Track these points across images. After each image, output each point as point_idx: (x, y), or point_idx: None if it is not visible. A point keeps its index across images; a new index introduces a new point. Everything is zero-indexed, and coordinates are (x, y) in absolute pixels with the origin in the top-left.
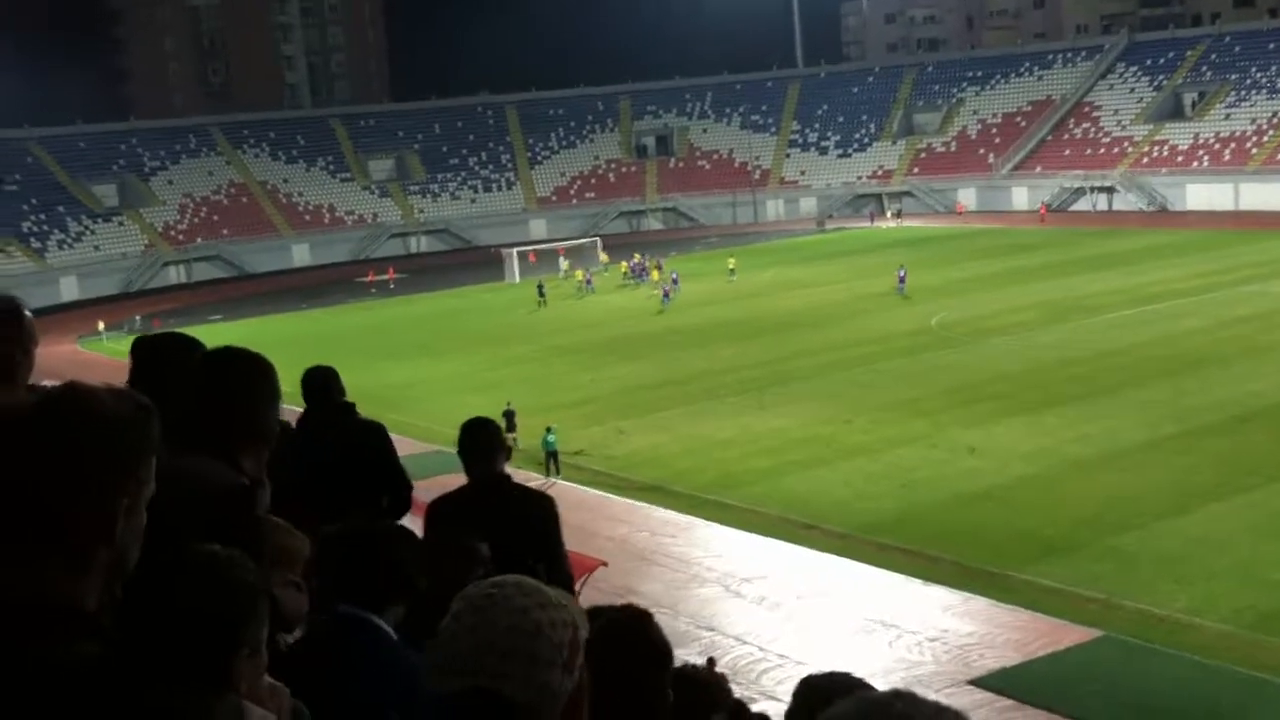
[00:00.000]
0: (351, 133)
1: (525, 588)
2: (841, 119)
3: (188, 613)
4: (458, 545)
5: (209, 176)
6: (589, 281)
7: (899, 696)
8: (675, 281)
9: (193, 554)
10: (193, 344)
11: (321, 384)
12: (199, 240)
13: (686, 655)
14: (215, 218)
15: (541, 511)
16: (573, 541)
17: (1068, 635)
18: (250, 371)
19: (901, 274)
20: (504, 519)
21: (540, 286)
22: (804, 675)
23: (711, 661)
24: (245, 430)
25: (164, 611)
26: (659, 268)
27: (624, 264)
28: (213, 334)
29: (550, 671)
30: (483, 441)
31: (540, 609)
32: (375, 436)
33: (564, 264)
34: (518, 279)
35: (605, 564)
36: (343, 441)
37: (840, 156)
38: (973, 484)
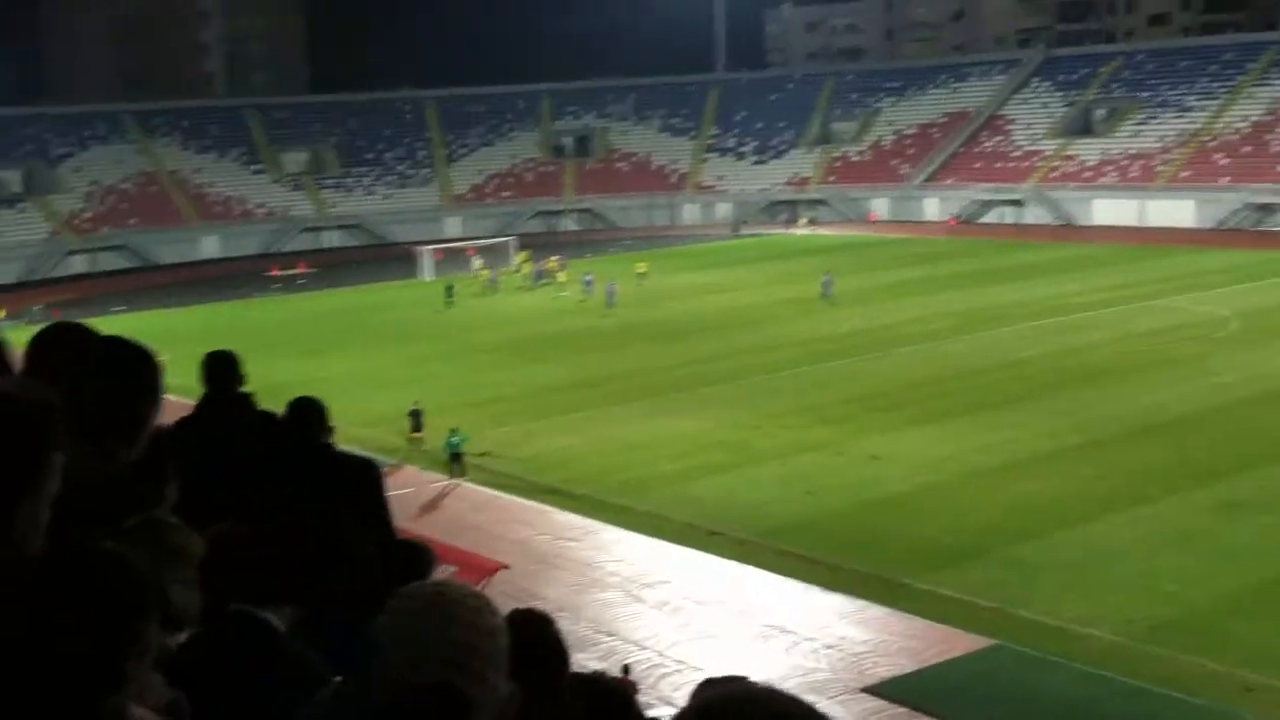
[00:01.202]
0: (266, 124)
1: (468, 590)
2: (760, 125)
3: (77, 612)
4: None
5: (118, 165)
6: (494, 280)
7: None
8: (589, 283)
9: (82, 551)
10: (91, 337)
11: (224, 370)
12: (105, 229)
13: (587, 660)
14: (123, 206)
15: (367, 481)
16: (475, 544)
17: (961, 644)
18: (131, 360)
19: (826, 279)
20: (328, 489)
21: (449, 287)
22: (702, 680)
23: (626, 669)
24: (122, 420)
25: (53, 610)
26: (563, 267)
27: (528, 264)
28: (116, 325)
29: (498, 675)
30: (310, 417)
31: (490, 614)
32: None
33: (476, 264)
34: (431, 276)
35: (507, 566)
36: (243, 432)
37: (757, 162)
38: (876, 491)
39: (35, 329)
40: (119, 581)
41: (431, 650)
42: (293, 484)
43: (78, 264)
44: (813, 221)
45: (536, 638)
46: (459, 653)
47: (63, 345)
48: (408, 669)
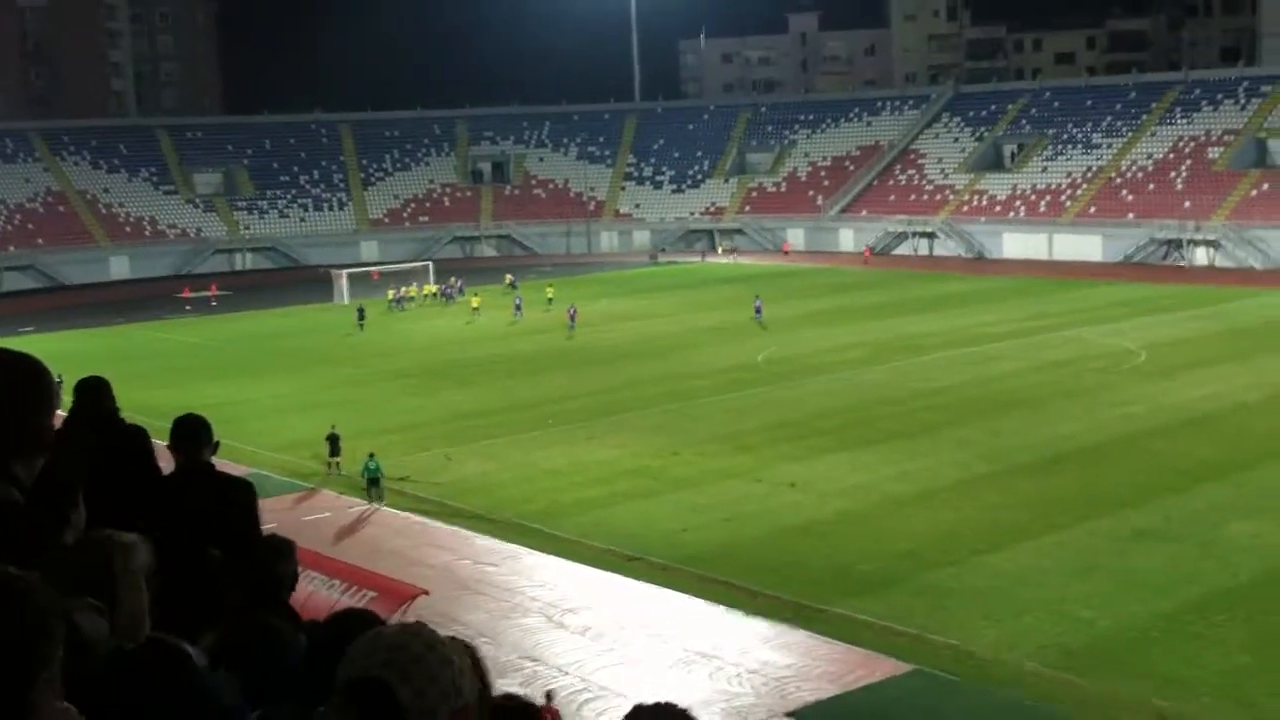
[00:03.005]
0: (178, 144)
1: (440, 637)
2: (677, 154)
3: None
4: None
5: (25, 183)
6: (399, 302)
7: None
8: (518, 307)
9: None
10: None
11: (92, 391)
12: (12, 249)
13: (509, 685)
14: (30, 226)
15: (240, 499)
16: (393, 569)
17: (881, 668)
18: (19, 374)
19: (758, 304)
20: (200, 507)
21: (360, 310)
22: (633, 705)
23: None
24: (17, 439)
25: None
26: (513, 285)
27: (430, 286)
28: (23, 346)
29: (442, 700)
30: (188, 430)
31: (458, 655)
32: (139, 441)
33: (390, 291)
34: (346, 300)
35: (427, 593)
36: (105, 450)
37: (674, 191)
38: (794, 518)
39: None
40: (18, 607)
41: (376, 652)
42: (170, 502)
43: None
44: (733, 250)
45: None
46: (404, 659)
47: None
48: (348, 664)
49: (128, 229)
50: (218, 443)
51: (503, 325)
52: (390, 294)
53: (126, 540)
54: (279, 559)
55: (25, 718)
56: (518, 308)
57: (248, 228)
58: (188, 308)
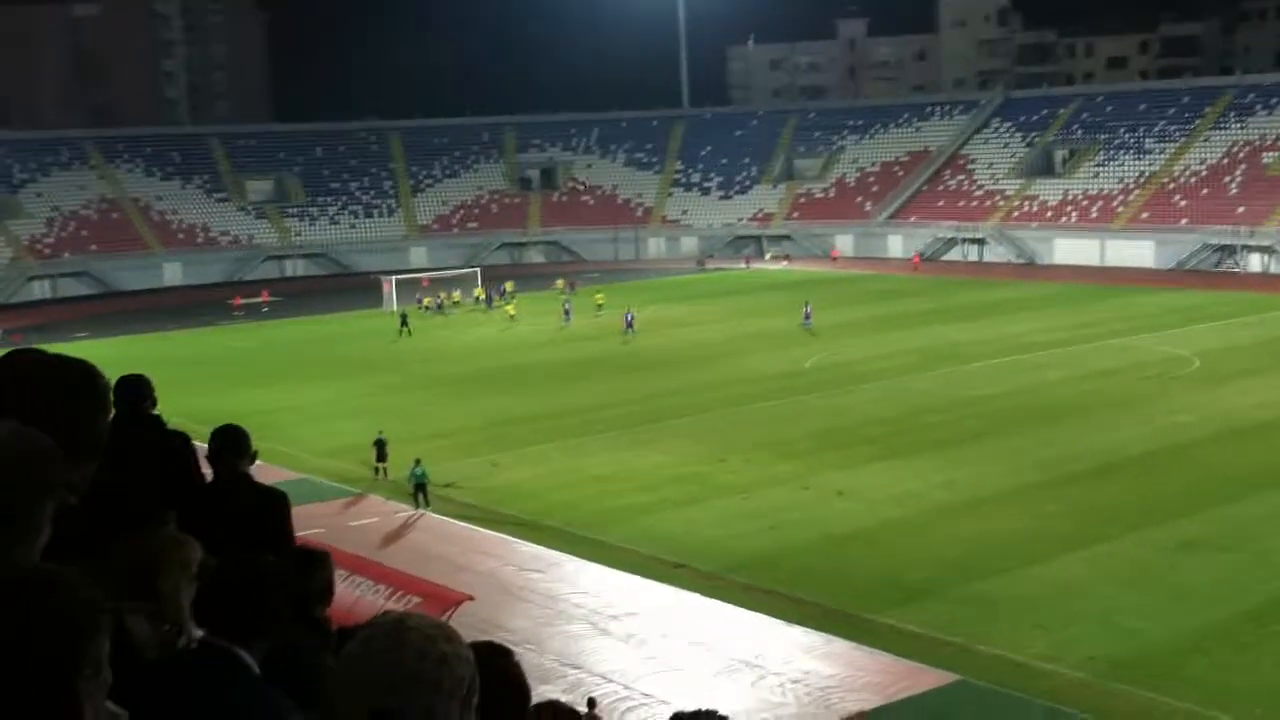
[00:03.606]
0: (230, 152)
1: (428, 620)
2: (724, 161)
3: (24, 633)
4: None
5: (80, 190)
6: (438, 306)
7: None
8: (568, 313)
9: (26, 572)
10: (56, 363)
11: (131, 393)
12: (67, 255)
13: (551, 692)
14: (84, 233)
15: (276, 510)
16: (439, 574)
17: (926, 679)
18: (74, 379)
19: (808, 310)
20: (237, 516)
21: (404, 316)
22: (673, 713)
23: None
24: (72, 443)
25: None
26: (571, 287)
27: (479, 289)
28: (78, 352)
29: (450, 703)
30: (228, 441)
31: (447, 642)
32: (180, 446)
33: (428, 297)
34: (395, 306)
35: (472, 598)
36: (146, 454)
37: (722, 198)
38: (841, 526)
39: None
40: (60, 603)
41: (377, 677)
42: (210, 511)
43: (38, 289)
44: (786, 257)
45: (496, 671)
46: (404, 680)
47: (17, 370)
48: (354, 697)
49: (180, 236)
50: (255, 453)
51: (550, 331)
52: (426, 300)
53: (176, 538)
54: (313, 570)
55: (73, 709)
56: (566, 314)
57: (298, 234)
58: (237, 314)
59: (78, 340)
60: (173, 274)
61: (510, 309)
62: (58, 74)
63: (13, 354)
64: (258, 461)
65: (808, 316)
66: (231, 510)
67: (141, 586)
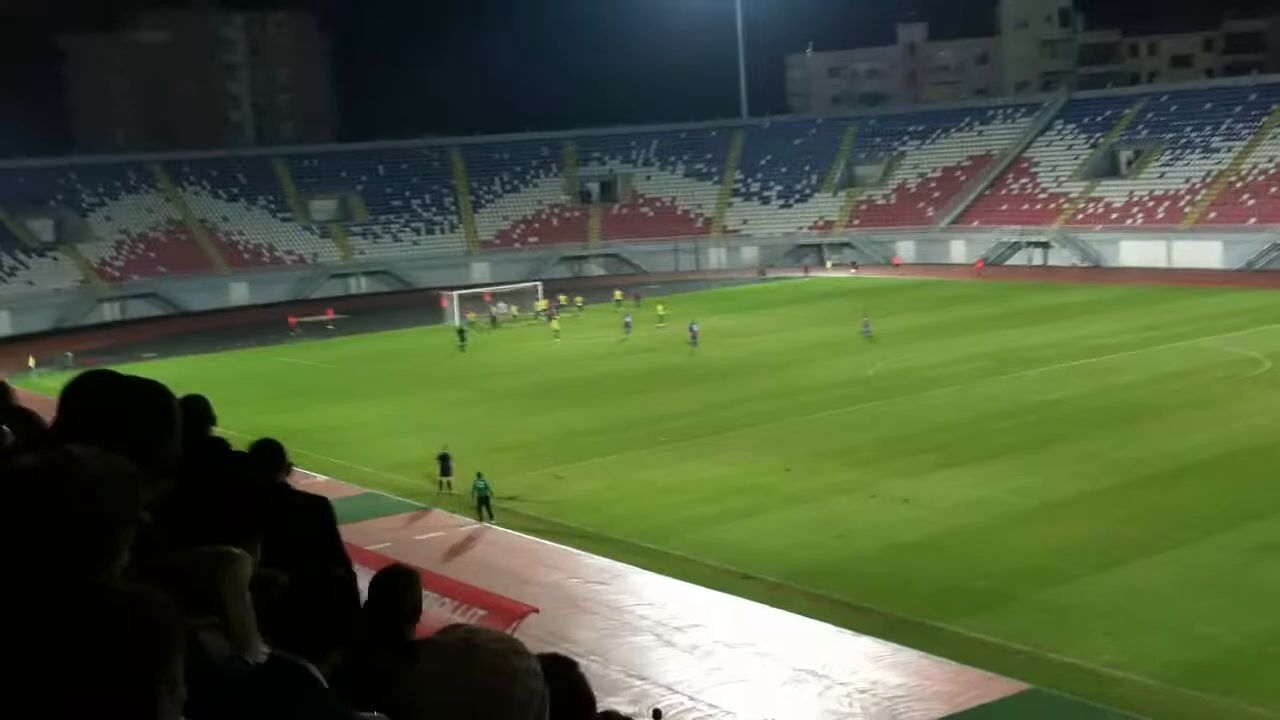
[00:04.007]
0: (294, 172)
1: (496, 635)
2: (784, 169)
3: (105, 649)
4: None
5: (148, 213)
6: (492, 320)
7: None
8: (628, 325)
9: (106, 590)
10: (129, 383)
11: (191, 415)
12: (135, 277)
13: (617, 704)
14: (153, 255)
15: (317, 515)
16: (504, 587)
17: (995, 688)
18: (149, 401)
19: (866, 322)
20: (282, 524)
21: (461, 331)
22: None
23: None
24: (147, 463)
25: (83, 649)
26: (637, 299)
27: (541, 302)
28: (147, 371)
29: (524, 719)
30: (270, 453)
31: (516, 656)
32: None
33: (507, 308)
34: (457, 321)
35: (537, 610)
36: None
37: (782, 206)
38: (907, 534)
39: (66, 376)
40: (144, 621)
41: (453, 697)
42: (252, 520)
43: (108, 311)
44: (853, 264)
45: (561, 683)
46: (480, 700)
47: (93, 393)
48: (427, 715)
49: (246, 256)
50: (291, 465)
51: (611, 343)
52: (470, 316)
53: (231, 554)
54: (403, 589)
55: None
56: (627, 326)
57: (362, 252)
58: (293, 333)
59: (146, 360)
60: (239, 293)
61: (555, 324)
62: (124, 99)
63: (88, 375)
64: (326, 477)
65: (866, 326)
66: (276, 518)
67: (204, 601)
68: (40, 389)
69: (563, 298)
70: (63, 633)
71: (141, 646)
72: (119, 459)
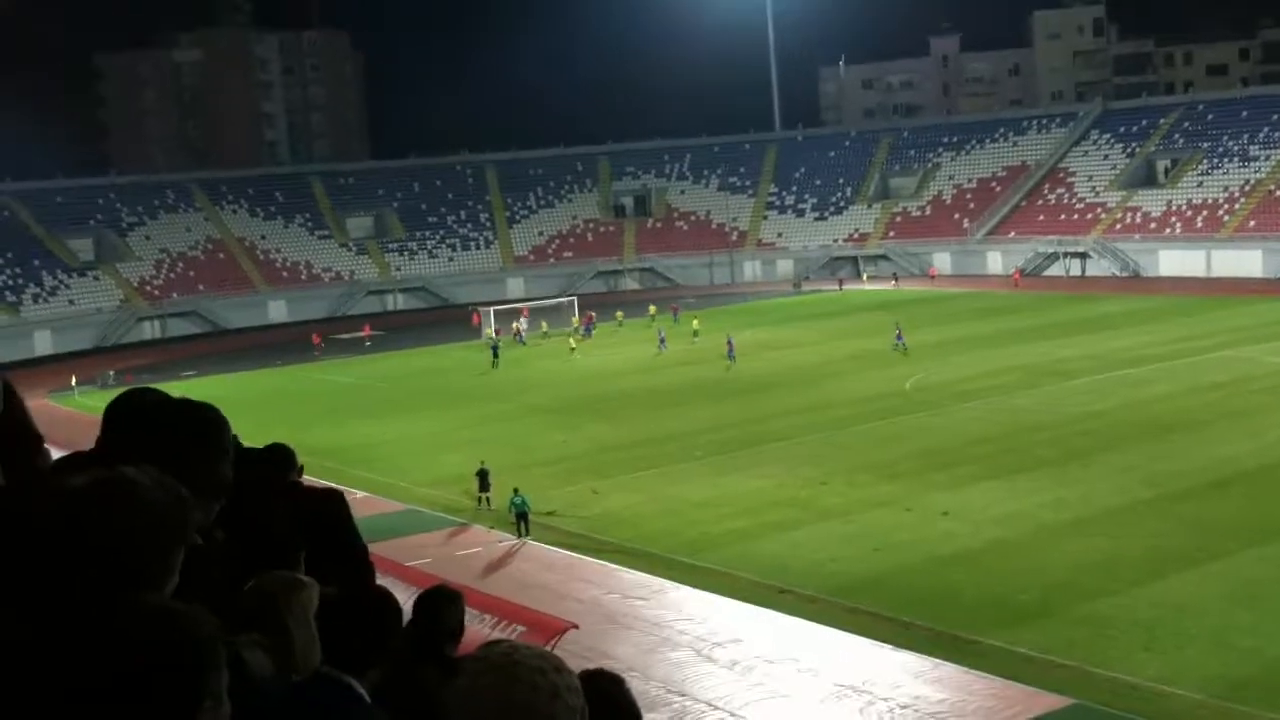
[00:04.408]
0: (330, 190)
1: (536, 651)
2: (819, 182)
3: (147, 665)
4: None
5: (186, 232)
6: (520, 335)
7: None
8: (662, 340)
9: (147, 606)
10: (172, 402)
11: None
12: (175, 295)
13: (657, 719)
14: (192, 273)
15: (333, 510)
16: (543, 603)
17: (1039, 703)
18: (202, 422)
19: (899, 332)
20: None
21: (495, 348)
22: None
23: None
24: (199, 484)
25: (122, 663)
26: (675, 314)
27: (575, 319)
28: (187, 389)
29: None
30: (281, 457)
31: (556, 673)
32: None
33: (528, 324)
34: (494, 336)
35: (576, 626)
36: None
37: (817, 219)
38: (946, 548)
39: (108, 395)
40: (183, 637)
41: (493, 713)
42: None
43: (148, 330)
44: (894, 277)
45: (606, 699)
46: (519, 716)
47: (137, 412)
48: None
49: (284, 274)
50: (302, 466)
51: (646, 358)
52: (488, 331)
53: (300, 580)
54: (445, 608)
55: None
56: (661, 340)
57: (398, 269)
58: (318, 352)
59: (186, 379)
60: (278, 311)
61: (572, 341)
62: (160, 118)
63: (133, 393)
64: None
65: (899, 337)
66: (292, 512)
67: (268, 626)
68: (82, 407)
69: (591, 314)
70: (102, 646)
71: (179, 662)
72: (170, 480)
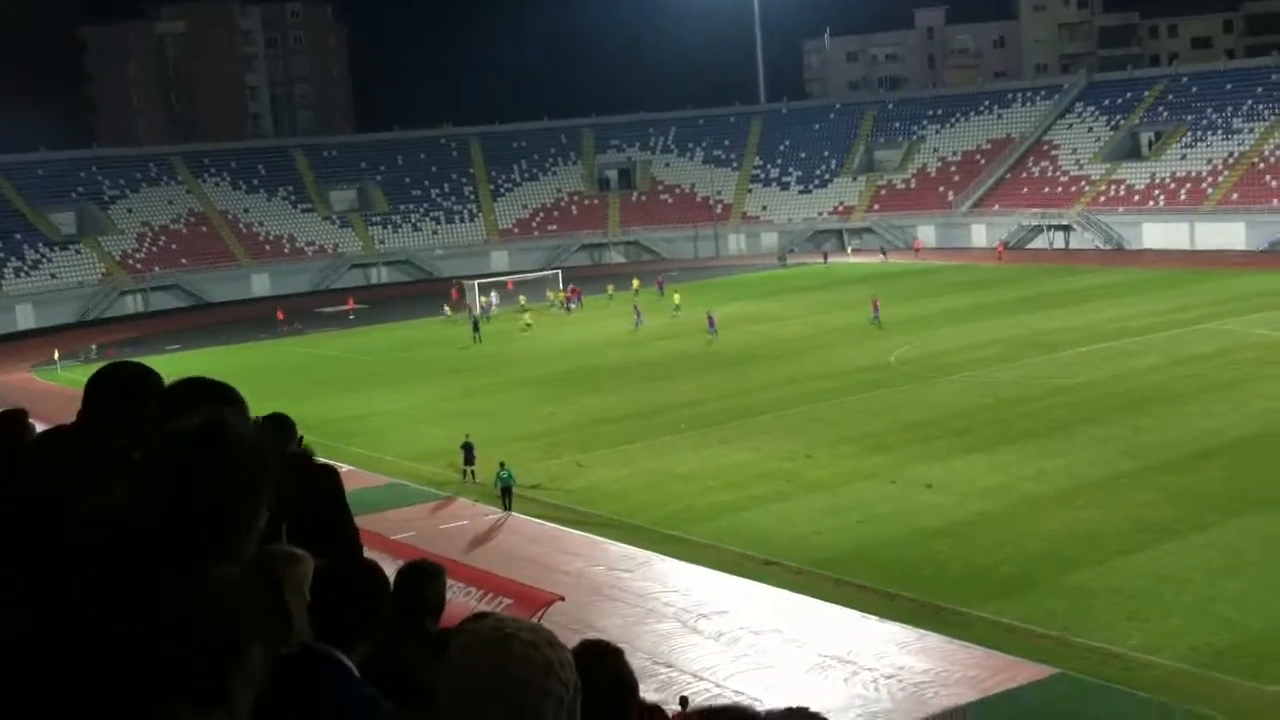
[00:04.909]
0: (313, 163)
1: (526, 625)
2: (803, 155)
3: (197, 622)
4: None
5: (169, 205)
6: (487, 310)
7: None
8: (639, 315)
9: (188, 576)
10: (153, 375)
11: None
12: (157, 269)
13: (643, 691)
14: (174, 247)
15: (327, 483)
16: (528, 576)
17: (1022, 673)
18: (219, 402)
19: (876, 305)
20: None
21: (475, 321)
22: (765, 710)
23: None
24: None
25: (175, 620)
26: (641, 289)
27: (559, 293)
28: (171, 364)
29: (560, 711)
30: (281, 424)
31: (549, 647)
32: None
33: (483, 300)
34: (478, 310)
35: (562, 599)
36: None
37: (802, 192)
38: (930, 520)
39: (90, 368)
40: (222, 601)
41: (484, 688)
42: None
43: (130, 304)
44: (881, 250)
45: (600, 671)
46: (511, 691)
47: (122, 384)
48: (460, 706)
49: (267, 247)
50: (301, 437)
51: (627, 332)
52: (447, 308)
53: (295, 554)
54: (427, 583)
55: (226, 701)
56: (638, 315)
57: (382, 242)
58: (285, 329)
59: (171, 352)
60: (261, 285)
61: (527, 318)
62: (143, 91)
63: (143, 369)
64: (351, 466)
65: (876, 311)
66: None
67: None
68: (65, 382)
69: (577, 288)
70: (153, 615)
71: (217, 629)
72: (264, 428)
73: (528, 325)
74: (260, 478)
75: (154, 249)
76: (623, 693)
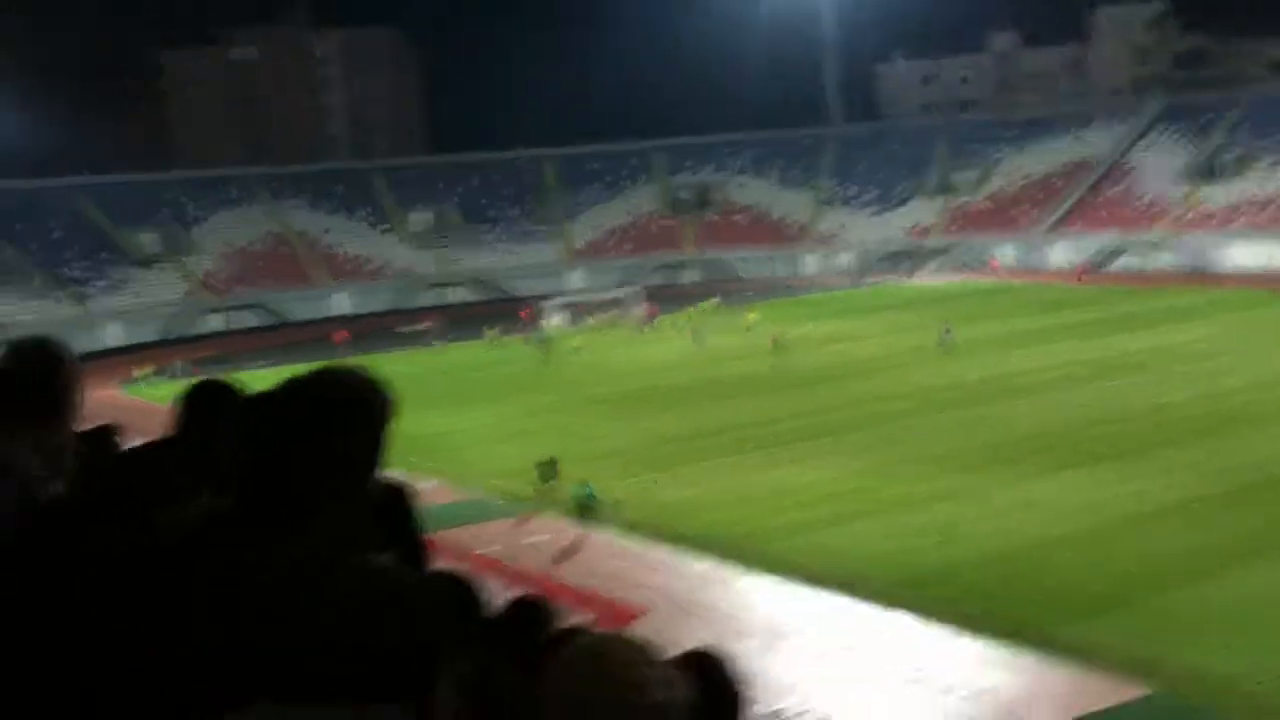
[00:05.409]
0: (391, 184)
1: (626, 642)
2: (878, 176)
3: (421, 632)
4: None
5: (250, 226)
6: (537, 335)
7: None
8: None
9: (417, 577)
10: (239, 390)
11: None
12: (238, 288)
13: None
14: (256, 266)
15: (398, 500)
16: (612, 591)
17: (1116, 694)
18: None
19: (947, 328)
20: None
21: (543, 342)
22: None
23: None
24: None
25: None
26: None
27: (638, 311)
28: (256, 380)
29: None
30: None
31: (647, 665)
32: None
33: (588, 319)
34: (546, 332)
35: (646, 613)
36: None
37: (877, 213)
38: (1015, 540)
39: (177, 385)
40: (439, 589)
41: (581, 709)
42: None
43: (214, 322)
44: (961, 270)
45: (716, 679)
46: (607, 712)
47: (212, 401)
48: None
49: (347, 267)
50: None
51: (700, 351)
52: (490, 333)
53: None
54: (545, 623)
55: (426, 708)
56: (697, 339)
57: (458, 262)
58: (339, 346)
59: (257, 369)
60: (340, 304)
61: (577, 341)
62: (222, 113)
63: (221, 385)
64: (436, 482)
65: (947, 334)
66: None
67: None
68: (150, 397)
69: (654, 307)
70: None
71: (437, 632)
72: (369, 376)
73: (577, 349)
74: (374, 417)
75: (236, 269)
76: (725, 707)
